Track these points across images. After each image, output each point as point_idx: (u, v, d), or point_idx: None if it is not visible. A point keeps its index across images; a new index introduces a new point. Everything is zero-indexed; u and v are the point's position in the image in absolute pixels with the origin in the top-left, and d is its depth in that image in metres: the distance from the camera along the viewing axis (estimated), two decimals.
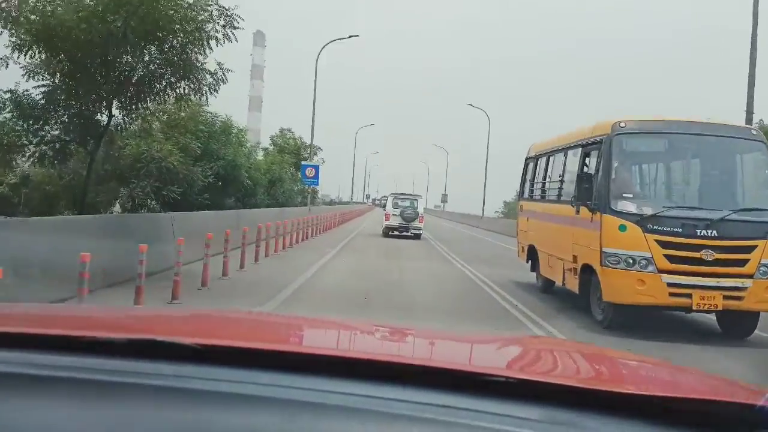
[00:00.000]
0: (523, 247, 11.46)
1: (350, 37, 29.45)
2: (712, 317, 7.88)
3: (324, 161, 37.44)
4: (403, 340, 1.69)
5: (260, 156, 29.34)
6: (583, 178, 7.80)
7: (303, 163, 25.43)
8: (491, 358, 1.58)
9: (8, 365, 0.96)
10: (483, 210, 45.37)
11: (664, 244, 6.99)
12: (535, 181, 11.14)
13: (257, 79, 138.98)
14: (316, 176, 23.48)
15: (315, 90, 26.48)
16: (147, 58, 10.47)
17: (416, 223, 22.87)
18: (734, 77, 18.04)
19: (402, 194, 24.90)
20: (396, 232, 22.78)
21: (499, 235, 25.98)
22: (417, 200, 23.81)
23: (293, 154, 33.25)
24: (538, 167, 11.04)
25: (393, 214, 22.97)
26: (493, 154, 42.54)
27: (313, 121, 26.97)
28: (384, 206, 25.05)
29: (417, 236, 22.80)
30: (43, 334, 1.09)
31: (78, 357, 0.99)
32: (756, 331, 7.52)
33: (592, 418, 0.93)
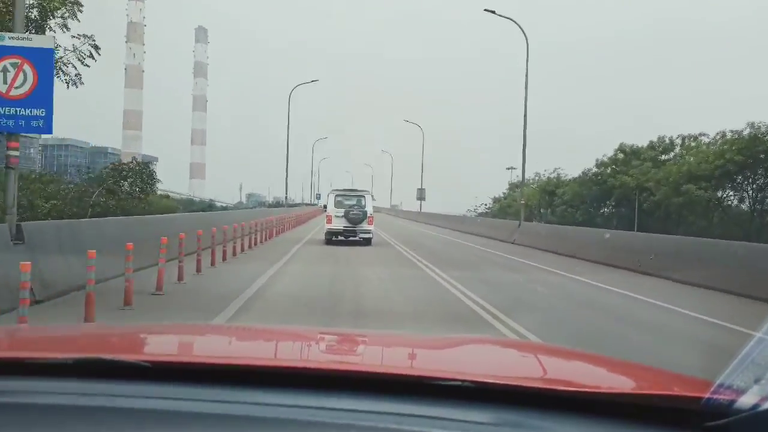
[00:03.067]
0: None
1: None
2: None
3: None
4: (352, 346, 1.63)
5: None
6: None
7: None
8: (440, 360, 1.49)
9: None
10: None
11: None
12: None
13: (201, 77, 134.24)
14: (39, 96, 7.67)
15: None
16: None
17: (365, 225, 18.20)
18: None
19: (346, 191, 19.55)
20: (341, 237, 18.29)
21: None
22: (364, 197, 18.78)
23: None
24: None
25: (336, 216, 18.22)
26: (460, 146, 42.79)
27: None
28: (325, 208, 19.84)
29: (367, 241, 18.21)
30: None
31: (25, 380, 0.96)
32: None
33: (543, 417, 0.92)
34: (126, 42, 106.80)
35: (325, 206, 20.20)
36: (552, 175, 50.42)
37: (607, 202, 39.92)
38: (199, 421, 0.87)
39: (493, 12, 21.06)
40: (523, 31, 21.57)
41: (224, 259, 12.59)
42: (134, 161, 21.96)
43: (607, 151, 39.57)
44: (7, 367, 1.01)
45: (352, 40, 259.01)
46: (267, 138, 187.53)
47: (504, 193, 63.91)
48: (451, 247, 20.07)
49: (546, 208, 49.98)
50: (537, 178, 53.11)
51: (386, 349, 1.60)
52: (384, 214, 71.80)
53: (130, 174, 20.23)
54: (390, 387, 0.97)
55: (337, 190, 19.68)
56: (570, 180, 45.83)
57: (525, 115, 22.15)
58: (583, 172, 41.65)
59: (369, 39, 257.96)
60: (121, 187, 19.31)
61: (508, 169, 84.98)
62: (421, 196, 52.39)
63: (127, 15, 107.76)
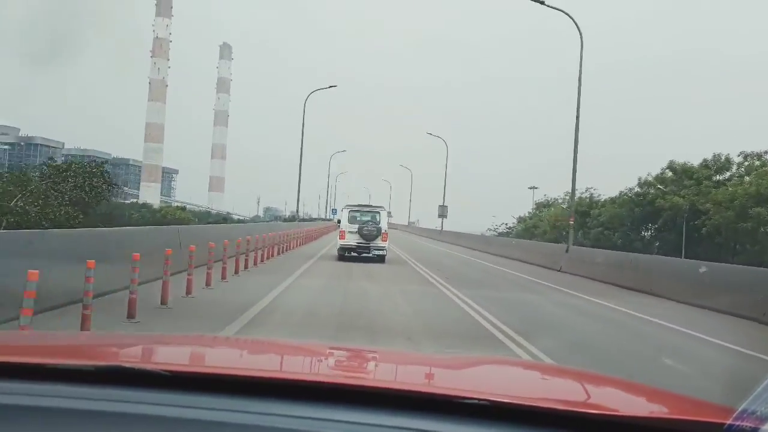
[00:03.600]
0: None
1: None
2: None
3: None
4: (367, 362, 1.63)
5: None
6: None
7: None
8: (456, 379, 1.48)
9: None
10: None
11: None
12: None
13: (223, 93, 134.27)
14: None
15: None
16: None
17: (379, 242, 17.65)
18: None
19: (360, 206, 18.98)
20: (354, 254, 17.62)
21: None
22: (379, 213, 18.30)
23: None
24: None
25: (350, 232, 17.68)
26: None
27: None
28: (339, 222, 19.42)
29: (381, 258, 17.65)
30: (8, 363, 1.07)
31: (45, 385, 0.97)
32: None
33: None
34: (151, 56, 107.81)
35: (339, 221, 19.35)
36: (584, 195, 46.75)
37: (650, 225, 36.32)
38: (218, 429, 0.88)
39: (542, 2, 18.08)
40: (576, 25, 18.51)
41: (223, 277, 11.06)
42: (91, 162, 18.24)
43: (639, 171, 36.02)
44: (28, 372, 1.02)
45: (374, 59, 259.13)
46: (285, 153, 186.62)
47: (529, 213, 60.08)
48: (493, 277, 16.88)
49: (578, 229, 46.23)
50: (567, 197, 49.47)
51: (402, 367, 1.58)
52: (400, 231, 67.91)
53: (75, 174, 16.82)
54: (405, 403, 0.96)
55: (351, 205, 19.04)
56: (606, 200, 42.20)
57: (577, 117, 18.96)
58: (622, 193, 38.03)
59: (391, 59, 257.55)
60: (62, 191, 15.92)
61: (531, 188, 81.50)
62: (442, 213, 48.23)
63: (154, 30, 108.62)
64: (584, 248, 21.75)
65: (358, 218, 17.93)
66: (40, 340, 1.80)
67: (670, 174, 33.64)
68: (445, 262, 20.31)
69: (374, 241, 17.54)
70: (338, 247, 18.18)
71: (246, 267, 12.86)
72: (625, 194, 37.21)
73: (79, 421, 0.90)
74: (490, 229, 62.56)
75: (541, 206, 57.17)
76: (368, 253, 17.55)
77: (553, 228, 48.32)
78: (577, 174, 19.04)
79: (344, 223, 17.97)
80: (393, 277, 13.49)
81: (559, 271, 18.05)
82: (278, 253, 17.79)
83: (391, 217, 77.93)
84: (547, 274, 17.15)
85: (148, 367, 1.06)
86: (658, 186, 33.67)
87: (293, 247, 21.36)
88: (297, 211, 35.49)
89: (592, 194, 45.59)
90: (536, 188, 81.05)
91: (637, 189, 35.87)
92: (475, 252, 28.17)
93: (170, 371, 1.02)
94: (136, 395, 0.94)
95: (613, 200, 39.62)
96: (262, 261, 14.71)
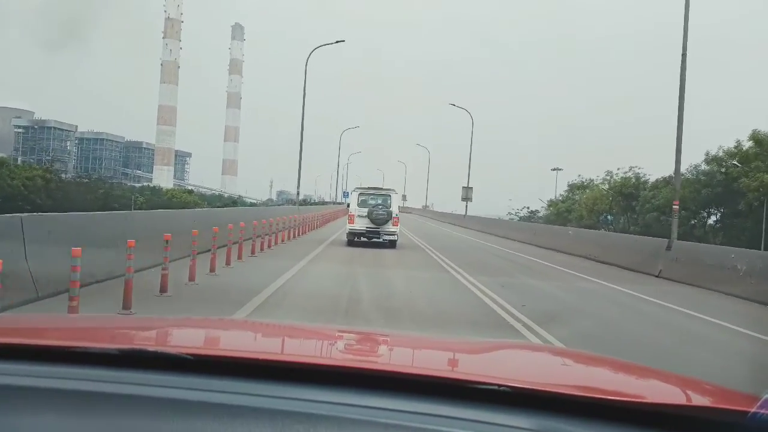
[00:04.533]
0: None
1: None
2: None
3: None
4: (393, 347, 1.60)
5: None
6: None
7: None
8: (478, 364, 1.45)
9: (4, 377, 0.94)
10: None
11: None
12: None
13: (236, 74, 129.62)
14: None
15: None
16: None
17: (390, 227, 16.88)
18: None
19: (370, 189, 18.09)
20: (363, 239, 16.98)
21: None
22: (390, 196, 17.40)
23: None
24: None
25: (359, 216, 16.94)
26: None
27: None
28: (348, 206, 18.52)
29: (392, 243, 16.84)
30: (34, 345, 1.08)
31: (71, 367, 0.98)
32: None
33: (585, 426, 0.89)
34: (163, 38, 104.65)
35: (348, 205, 18.48)
36: (627, 174, 40.18)
37: (714, 210, 30.65)
38: (240, 413, 0.87)
39: None
40: None
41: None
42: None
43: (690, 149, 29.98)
44: (52, 354, 1.03)
45: (391, 35, 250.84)
46: (299, 135, 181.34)
47: (561, 195, 54.49)
48: (602, 301, 11.18)
49: (622, 213, 40.55)
50: (610, 178, 43.49)
51: (422, 351, 1.57)
52: (416, 216, 61.76)
53: None
54: (424, 388, 0.95)
55: (360, 188, 18.38)
56: (659, 180, 36.28)
57: (682, 77, 13.49)
58: (688, 169, 32.06)
59: (411, 34, 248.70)
60: None
61: (554, 170, 74.34)
62: (467, 195, 41.51)
63: (165, 11, 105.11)
64: (695, 244, 15.48)
65: (368, 202, 17.15)
66: (62, 323, 1.80)
67: (751, 147, 27.54)
68: (493, 264, 14.98)
69: (385, 226, 16.75)
70: (347, 231, 17.33)
71: (240, 257, 11.61)
72: (694, 171, 31.10)
73: (106, 405, 0.89)
74: (510, 213, 56.55)
75: (574, 188, 51.38)
76: (378, 238, 16.80)
77: (590, 212, 42.99)
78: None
79: (353, 206, 17.16)
80: (434, 314, 7.80)
81: (657, 276, 12.80)
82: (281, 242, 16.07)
83: (405, 200, 70.95)
84: (648, 283, 11.90)
85: (172, 350, 1.04)
86: (733, 162, 27.74)
87: (302, 233, 20.05)
88: (297, 194, 30.38)
89: (637, 174, 39.33)
90: (560, 170, 74.45)
91: (703, 166, 30.10)
92: (516, 244, 22.42)
93: (193, 354, 1.01)
94: (160, 379, 0.94)
95: (666, 181, 33.80)
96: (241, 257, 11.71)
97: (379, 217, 16.71)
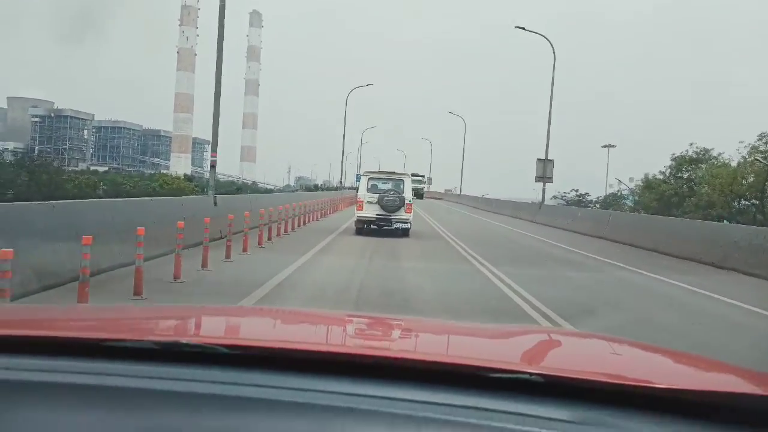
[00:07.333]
0: None
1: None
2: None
3: None
4: (424, 335, 1.50)
5: None
6: None
7: None
8: (509, 352, 1.37)
9: (26, 372, 0.88)
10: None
11: None
12: None
13: (254, 61, 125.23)
14: None
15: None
16: None
17: (402, 213, 15.41)
18: None
19: (381, 173, 16.89)
20: (374, 226, 15.45)
21: None
22: (403, 181, 15.94)
23: None
24: None
25: (369, 202, 15.43)
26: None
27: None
28: (357, 191, 17.42)
29: (405, 232, 15.45)
30: (59, 337, 1.03)
31: (99, 362, 0.92)
32: None
33: (627, 417, 0.84)
34: (179, 25, 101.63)
35: (357, 190, 17.13)
36: (759, 144, 26.99)
37: None
38: (296, 410, 0.83)
39: None
40: None
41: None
42: None
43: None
44: (79, 347, 0.97)
45: (408, 27, 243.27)
46: (317, 122, 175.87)
47: (665, 171, 33.89)
48: None
49: (760, 200, 26.96)
50: (750, 148, 27.66)
51: (446, 338, 1.50)
52: (447, 203, 49.57)
53: None
54: (449, 377, 0.90)
55: (370, 171, 16.98)
56: None
57: None
58: None
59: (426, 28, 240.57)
60: None
61: (605, 146, 66.24)
62: (544, 172, 26.25)
63: None
64: None
65: (378, 187, 15.79)
66: (87, 314, 1.72)
67: None
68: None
69: (396, 213, 15.43)
70: (355, 219, 16.01)
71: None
72: None
73: (150, 401, 0.84)
74: (555, 197, 47.27)
75: (684, 162, 32.96)
76: (390, 225, 15.51)
77: (722, 195, 27.72)
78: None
79: (362, 192, 15.84)
80: None
81: None
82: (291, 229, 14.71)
83: (430, 184, 60.68)
84: None
85: (208, 341, 0.98)
86: None
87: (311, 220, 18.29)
88: (289, 183, 25.03)
89: None
90: (613, 146, 66.11)
91: None
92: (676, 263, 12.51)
93: (228, 345, 0.97)
94: (195, 373, 0.89)
95: None
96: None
97: (391, 204, 15.27)
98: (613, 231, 17.60)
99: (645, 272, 10.58)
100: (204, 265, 8.24)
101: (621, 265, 11.51)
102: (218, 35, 14.28)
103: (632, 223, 17.98)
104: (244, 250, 10.27)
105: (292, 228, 15.47)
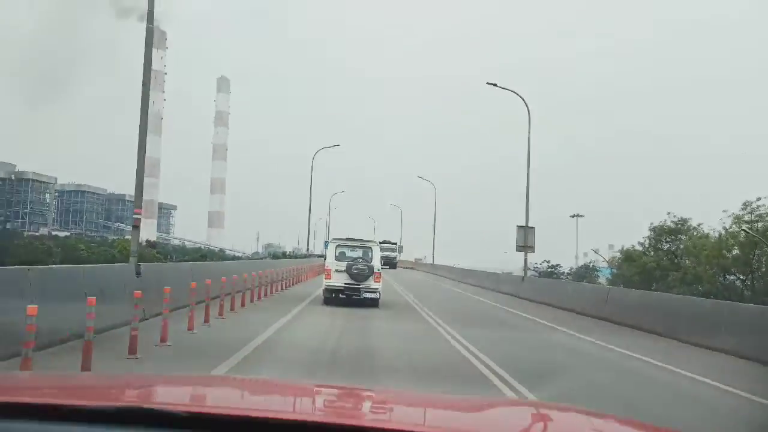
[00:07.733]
0: None
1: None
2: None
3: None
4: (398, 406, 1.50)
5: None
6: None
7: None
8: (472, 423, 1.37)
9: None
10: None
11: None
12: None
13: (221, 126, 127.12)
14: None
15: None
16: None
17: (371, 283, 15.15)
18: None
19: (349, 240, 16.26)
20: (342, 296, 15.21)
21: None
22: (371, 249, 15.77)
23: None
24: None
25: (337, 270, 15.28)
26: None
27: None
28: (325, 258, 17.29)
29: (373, 302, 15.10)
30: (26, 403, 1.06)
31: (66, 426, 0.95)
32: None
33: None
34: None
35: (325, 257, 17.14)
36: (743, 214, 25.76)
37: None
38: None
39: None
40: None
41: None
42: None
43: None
44: (43, 412, 1.00)
45: (376, 87, 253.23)
46: (286, 188, 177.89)
47: (643, 242, 31.86)
48: None
49: (749, 272, 25.16)
50: (747, 211, 25.87)
51: (411, 409, 1.49)
52: (423, 274, 43.88)
53: None
54: None
55: (338, 239, 16.58)
56: None
57: None
58: None
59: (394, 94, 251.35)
60: None
61: (573, 216, 67.80)
62: (525, 241, 23.50)
63: None
64: None
65: (346, 254, 15.58)
66: (49, 382, 1.78)
67: None
68: None
69: (365, 282, 15.07)
70: (323, 287, 15.76)
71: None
72: None
73: None
74: (529, 268, 37.67)
75: (663, 233, 31.05)
76: (358, 295, 15.11)
77: (708, 268, 25.96)
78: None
79: (330, 259, 15.54)
80: None
81: None
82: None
83: (401, 252, 59.92)
84: None
85: (169, 408, 1.03)
86: None
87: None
88: (257, 251, 23.69)
89: (762, 215, 25.18)
90: (581, 216, 66.93)
91: None
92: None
93: (188, 412, 1.00)
94: None
95: None
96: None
97: (359, 273, 14.99)
98: (617, 310, 14.83)
99: None
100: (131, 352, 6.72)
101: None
102: (144, 66, 11.78)
103: (640, 302, 14.57)
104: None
105: (251, 300, 14.09)
